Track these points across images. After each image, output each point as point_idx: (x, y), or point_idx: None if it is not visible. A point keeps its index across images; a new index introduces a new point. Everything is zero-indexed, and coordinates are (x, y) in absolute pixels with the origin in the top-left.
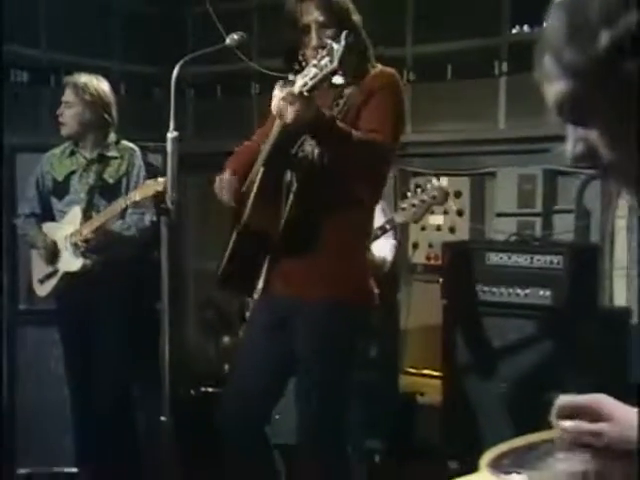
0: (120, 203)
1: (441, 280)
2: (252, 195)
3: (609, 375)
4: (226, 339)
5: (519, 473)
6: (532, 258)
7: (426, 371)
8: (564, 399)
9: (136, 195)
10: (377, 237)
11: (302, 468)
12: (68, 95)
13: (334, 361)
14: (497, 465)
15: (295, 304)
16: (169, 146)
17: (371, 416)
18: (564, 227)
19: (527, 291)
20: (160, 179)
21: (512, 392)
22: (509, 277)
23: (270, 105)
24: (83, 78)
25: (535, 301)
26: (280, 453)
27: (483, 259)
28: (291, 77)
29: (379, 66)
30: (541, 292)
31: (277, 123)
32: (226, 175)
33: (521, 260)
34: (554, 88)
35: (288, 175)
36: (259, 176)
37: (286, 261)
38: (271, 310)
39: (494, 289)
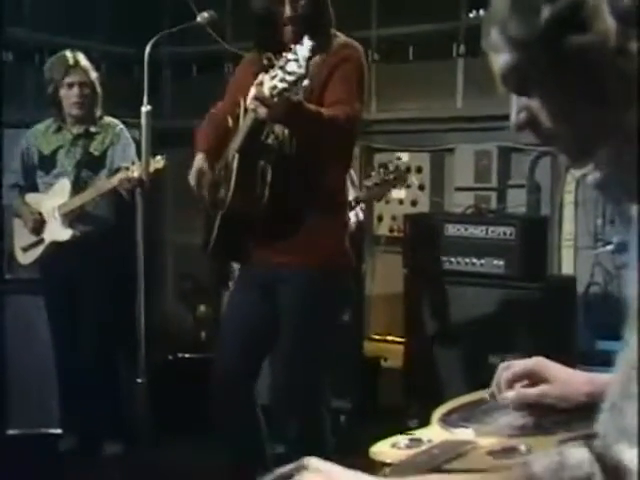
0: (112, 181)
1: (403, 250)
2: (232, 182)
3: (558, 339)
4: (202, 308)
5: (466, 427)
6: (487, 229)
7: (389, 337)
8: (506, 366)
9: (129, 173)
10: (351, 207)
11: (278, 427)
12: (80, 76)
13: (317, 322)
14: (447, 420)
15: (280, 271)
16: (143, 119)
17: (338, 379)
18: (517, 201)
19: (482, 261)
20: (158, 157)
21: (468, 355)
22: (466, 247)
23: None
24: (81, 58)
25: (490, 270)
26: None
27: (442, 230)
28: (265, 61)
29: (342, 36)
30: (495, 261)
31: (250, 115)
32: (200, 162)
33: (477, 231)
34: (499, 59)
35: (263, 159)
36: (235, 164)
37: (270, 234)
38: (256, 278)
39: (452, 259)
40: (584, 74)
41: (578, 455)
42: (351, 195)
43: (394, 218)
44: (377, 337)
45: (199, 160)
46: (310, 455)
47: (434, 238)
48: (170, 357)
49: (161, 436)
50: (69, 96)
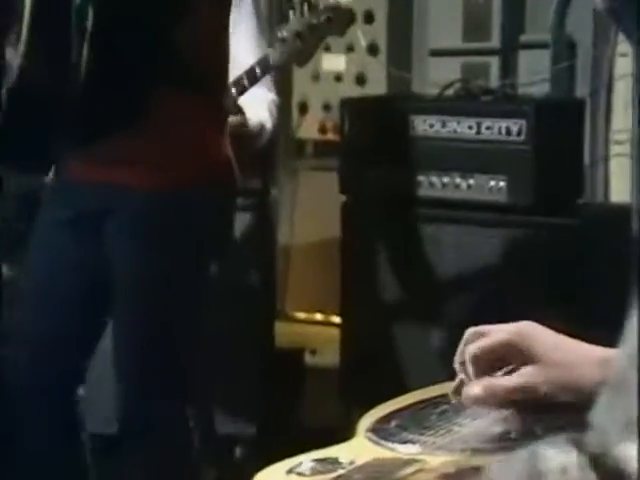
0: None
1: (340, 165)
2: (24, 35)
3: (595, 310)
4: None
5: (409, 440)
6: (480, 125)
7: (319, 316)
8: (473, 333)
9: None
10: (244, 88)
11: (121, 463)
12: None
13: (172, 281)
14: (380, 430)
15: (112, 195)
16: None
17: (230, 388)
18: (534, 72)
19: (471, 181)
20: None
21: (447, 343)
22: (444, 157)
23: None
24: None
25: (483, 197)
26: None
27: (406, 127)
28: None
29: None
30: (492, 182)
31: None
32: None
33: (463, 128)
34: None
35: None
36: (29, 3)
37: (93, 130)
38: (74, 207)
39: (421, 177)
40: None
41: (560, 458)
42: (246, 58)
43: (327, 107)
44: (300, 316)
45: None
46: None
47: (392, 141)
48: None
49: None
50: None
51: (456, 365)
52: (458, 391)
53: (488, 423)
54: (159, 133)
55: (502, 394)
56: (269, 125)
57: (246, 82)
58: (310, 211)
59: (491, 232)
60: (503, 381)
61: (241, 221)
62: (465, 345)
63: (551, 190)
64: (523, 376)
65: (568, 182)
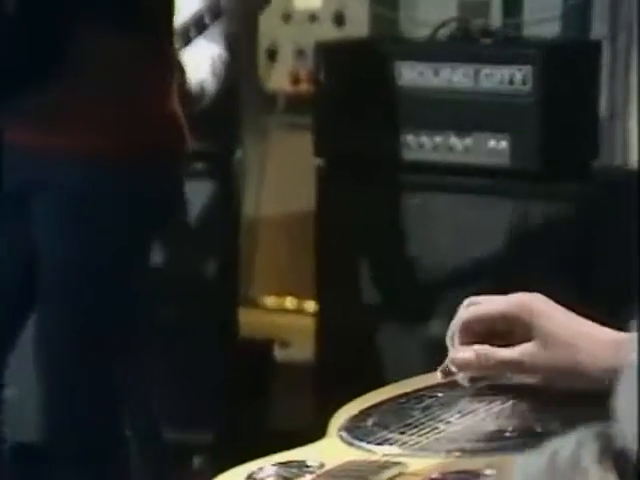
0: None
1: (314, 123)
2: None
3: (613, 291)
4: None
5: (388, 441)
6: (478, 73)
7: (291, 302)
8: (469, 304)
9: None
10: (188, 39)
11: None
12: None
13: (110, 266)
14: (354, 428)
15: (37, 163)
16: None
17: (185, 387)
18: (541, 9)
19: (467, 141)
20: None
21: (442, 334)
22: (436, 112)
23: None
24: None
25: (481, 160)
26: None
27: (391, 76)
28: None
29: None
30: (492, 142)
31: None
32: None
33: (459, 77)
34: None
35: None
36: None
37: (13, 84)
38: None
39: (409, 136)
40: None
41: (580, 455)
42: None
43: (300, 54)
44: (267, 302)
45: None
46: None
47: (377, 93)
48: None
49: None
50: None
51: (448, 340)
52: (447, 372)
53: (480, 419)
54: (92, 85)
55: (496, 365)
56: (211, 88)
57: (192, 31)
58: (280, 178)
59: (491, 202)
60: (500, 350)
61: (198, 191)
62: (460, 315)
63: (562, 151)
64: (523, 351)
65: (582, 141)
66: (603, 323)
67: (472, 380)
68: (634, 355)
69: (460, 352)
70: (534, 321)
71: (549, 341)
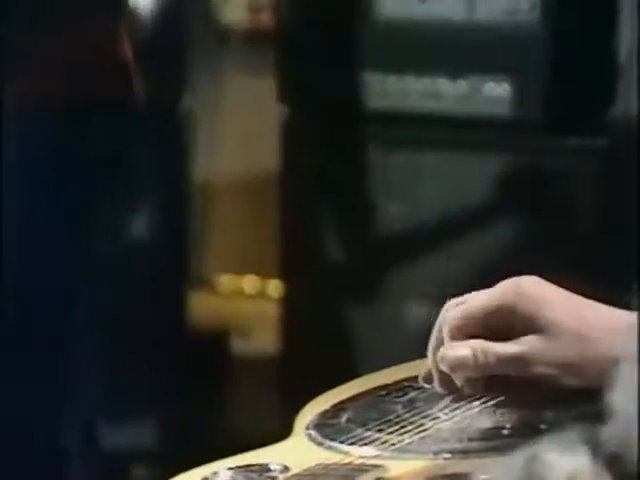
0: None
1: (276, 63)
2: None
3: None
4: None
5: (366, 441)
6: (473, 0)
7: (250, 282)
8: (456, 304)
9: None
10: None
11: None
12: None
13: (38, 235)
14: (324, 427)
15: None
16: None
17: (126, 384)
18: None
19: (460, 85)
20: None
21: (431, 317)
22: (421, 50)
23: None
24: None
25: (476, 109)
26: None
27: (367, 4)
28: None
29: None
30: (490, 87)
31: None
32: None
33: (449, 6)
34: None
35: None
36: None
37: None
38: None
39: (390, 81)
40: None
41: (567, 465)
42: None
43: None
44: (223, 284)
45: None
46: None
47: (353, 26)
48: None
49: None
50: None
51: (429, 352)
52: (431, 378)
53: (472, 415)
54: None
55: (496, 362)
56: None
57: None
58: (237, 131)
59: (488, 158)
60: (497, 346)
61: (137, 147)
62: (442, 324)
63: (572, 99)
64: (526, 344)
65: (595, 88)
66: (614, 304)
67: (467, 382)
68: (634, 345)
69: (452, 349)
70: (534, 310)
71: (551, 332)
